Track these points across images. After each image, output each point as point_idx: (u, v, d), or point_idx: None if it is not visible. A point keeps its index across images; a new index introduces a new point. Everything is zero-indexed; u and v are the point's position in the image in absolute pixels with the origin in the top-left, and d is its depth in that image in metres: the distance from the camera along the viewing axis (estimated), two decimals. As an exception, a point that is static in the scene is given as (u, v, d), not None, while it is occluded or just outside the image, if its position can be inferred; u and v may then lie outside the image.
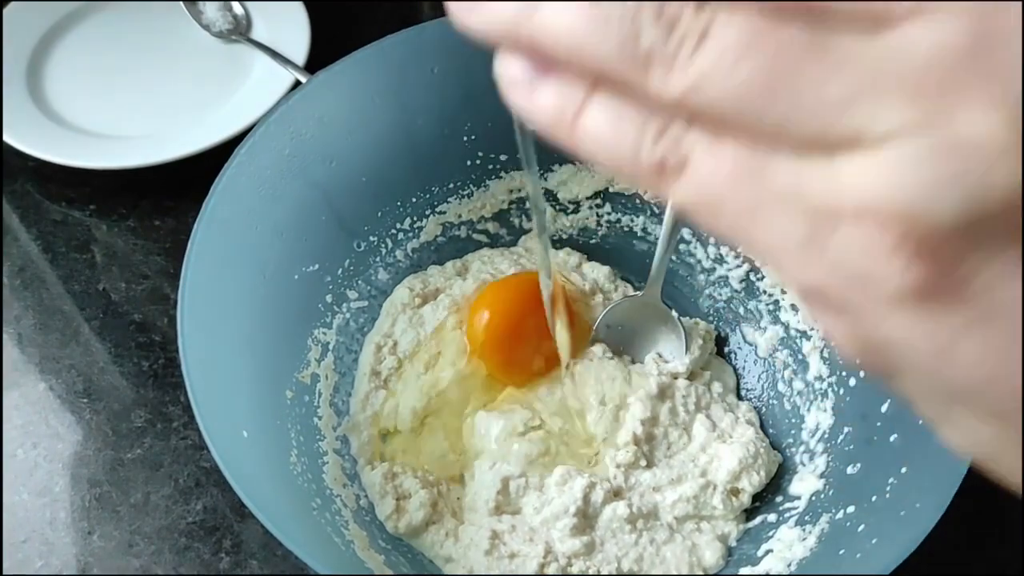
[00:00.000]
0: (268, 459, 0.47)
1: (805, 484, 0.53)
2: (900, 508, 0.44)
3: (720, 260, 0.61)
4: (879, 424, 0.49)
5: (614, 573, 0.50)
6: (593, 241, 0.64)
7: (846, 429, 0.52)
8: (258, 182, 0.51)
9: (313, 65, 0.73)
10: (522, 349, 0.56)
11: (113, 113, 0.73)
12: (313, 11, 0.77)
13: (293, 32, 0.76)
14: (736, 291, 0.61)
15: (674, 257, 0.62)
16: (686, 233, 0.62)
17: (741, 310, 0.61)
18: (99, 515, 0.55)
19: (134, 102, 0.74)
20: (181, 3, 0.78)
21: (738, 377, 0.60)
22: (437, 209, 0.62)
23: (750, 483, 0.53)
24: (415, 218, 0.61)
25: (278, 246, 0.53)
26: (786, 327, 0.58)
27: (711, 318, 0.62)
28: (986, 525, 0.55)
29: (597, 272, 0.62)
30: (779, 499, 0.53)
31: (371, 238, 0.59)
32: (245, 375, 0.49)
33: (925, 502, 0.41)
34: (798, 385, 0.57)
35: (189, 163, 0.67)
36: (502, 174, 0.62)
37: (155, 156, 0.68)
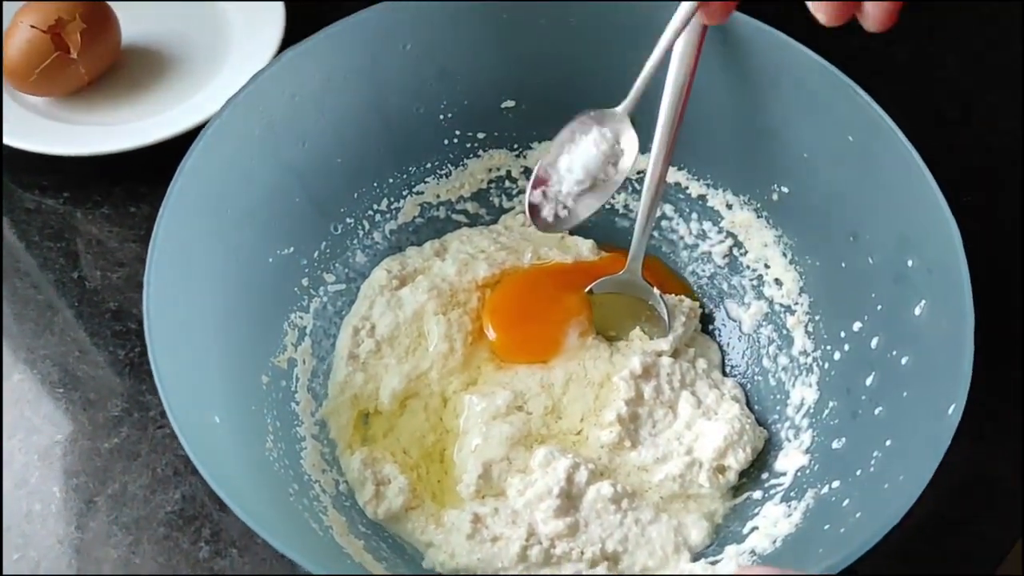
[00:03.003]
0: (242, 445, 0.47)
1: (791, 460, 0.52)
2: (884, 481, 0.43)
3: (703, 236, 0.60)
4: (864, 398, 0.49)
5: (598, 554, 0.49)
6: (575, 219, 0.63)
7: (831, 403, 0.52)
8: (227, 164, 0.50)
9: (289, 41, 0.71)
10: (541, 330, 0.58)
11: (86, 99, 0.72)
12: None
13: (268, 9, 0.74)
14: (719, 267, 0.60)
15: (656, 233, 0.62)
16: (668, 209, 0.61)
17: (725, 286, 0.60)
18: (76, 506, 0.54)
19: (107, 88, 0.73)
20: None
21: (723, 353, 0.59)
22: (415, 189, 0.61)
23: (736, 460, 0.52)
24: (392, 199, 0.60)
25: (251, 229, 0.52)
26: (770, 302, 0.57)
27: (695, 294, 0.61)
28: (971, 498, 0.55)
29: (581, 245, 0.61)
30: (765, 476, 0.53)
31: (348, 220, 0.58)
32: (217, 360, 0.48)
33: (909, 475, 0.41)
34: (783, 360, 0.56)
35: (164, 148, 0.66)
36: (480, 153, 0.61)
37: (129, 142, 0.67)
